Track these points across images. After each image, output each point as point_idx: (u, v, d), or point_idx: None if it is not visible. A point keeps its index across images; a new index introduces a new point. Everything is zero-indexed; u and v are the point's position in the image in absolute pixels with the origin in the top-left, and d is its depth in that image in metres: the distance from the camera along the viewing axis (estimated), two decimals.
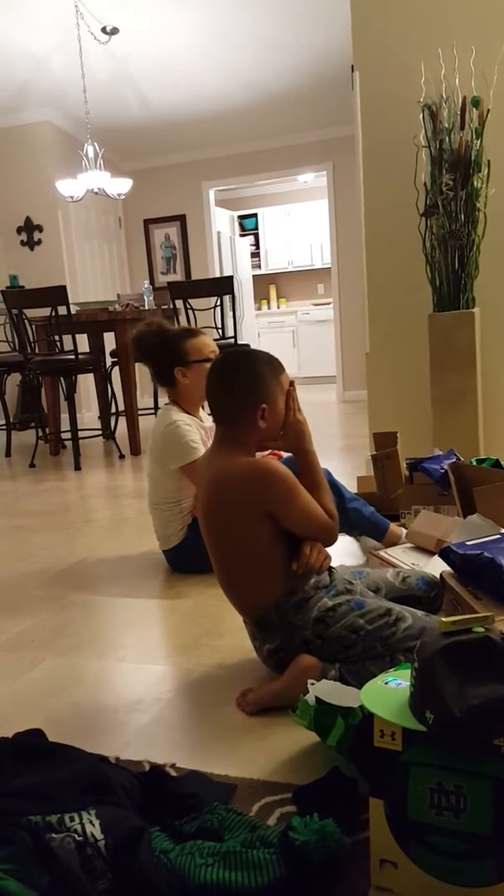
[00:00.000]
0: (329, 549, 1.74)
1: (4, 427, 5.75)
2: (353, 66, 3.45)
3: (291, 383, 1.74)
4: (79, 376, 5.45)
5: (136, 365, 5.19)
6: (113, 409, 5.81)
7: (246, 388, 1.67)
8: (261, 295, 9.81)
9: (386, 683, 1.16)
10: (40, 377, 5.64)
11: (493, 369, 3.40)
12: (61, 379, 5.24)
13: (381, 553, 2.36)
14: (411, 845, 1.05)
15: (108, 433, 5.75)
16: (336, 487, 2.38)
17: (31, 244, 6.83)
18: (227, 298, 5.24)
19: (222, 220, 7.92)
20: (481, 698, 0.98)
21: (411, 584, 1.87)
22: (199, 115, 6.54)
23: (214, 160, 7.26)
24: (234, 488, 1.64)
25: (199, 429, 2.57)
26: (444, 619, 1.08)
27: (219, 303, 5.24)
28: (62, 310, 4.72)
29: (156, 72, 5.90)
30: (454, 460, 2.64)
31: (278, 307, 9.90)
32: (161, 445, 2.55)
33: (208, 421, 2.70)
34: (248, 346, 1.84)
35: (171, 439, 2.51)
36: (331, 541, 1.73)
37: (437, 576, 1.91)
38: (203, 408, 2.71)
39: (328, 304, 8.48)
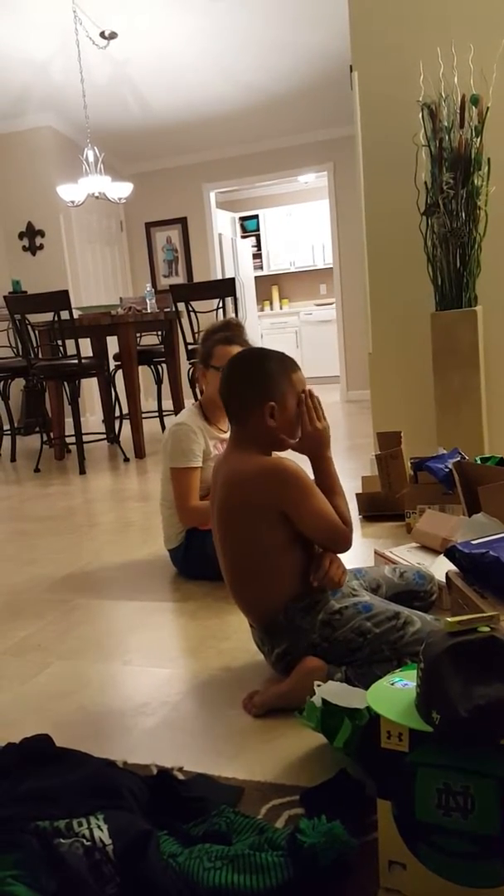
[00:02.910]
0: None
1: (9, 432, 5.76)
2: (351, 66, 3.45)
3: (309, 392, 1.71)
4: (82, 380, 5.46)
5: (140, 368, 5.20)
6: (117, 413, 5.81)
7: (254, 386, 1.67)
8: (263, 296, 9.81)
9: (392, 684, 1.15)
10: (44, 382, 5.65)
11: (497, 367, 3.39)
12: (65, 383, 5.25)
13: (387, 553, 2.36)
14: (419, 846, 1.05)
15: (112, 437, 5.75)
16: None
17: (32, 249, 6.84)
18: (229, 300, 5.24)
19: (223, 222, 7.92)
20: (487, 698, 0.98)
21: (408, 578, 1.91)
22: (199, 117, 6.55)
23: (215, 162, 7.26)
24: (249, 486, 1.64)
25: (208, 438, 2.52)
26: (449, 619, 1.08)
27: (221, 305, 5.25)
28: (65, 314, 4.73)
29: (155, 75, 5.91)
30: (458, 459, 2.64)
31: (281, 308, 9.90)
32: (164, 442, 2.57)
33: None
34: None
35: (170, 439, 2.52)
36: (344, 547, 1.71)
37: (440, 573, 1.91)
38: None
39: (331, 304, 8.47)
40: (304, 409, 1.69)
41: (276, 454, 1.71)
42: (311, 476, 1.73)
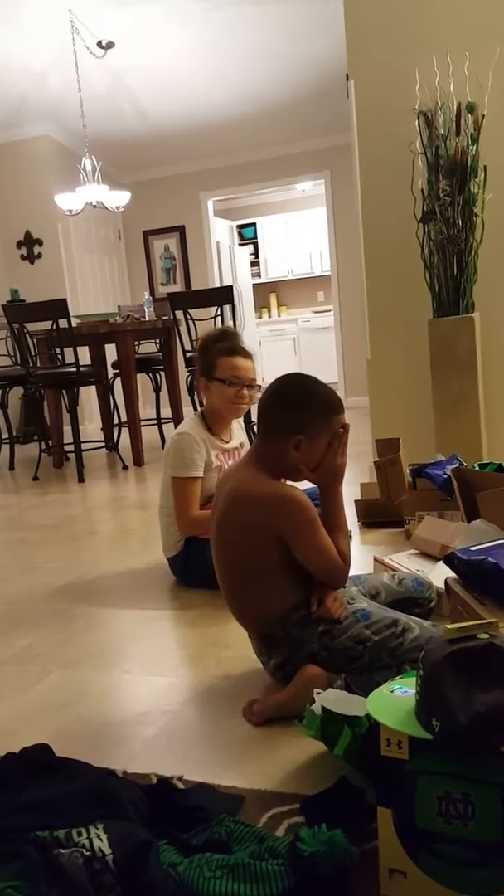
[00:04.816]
0: None
1: (7, 440, 5.76)
2: (347, 74, 3.47)
3: (346, 427, 1.70)
4: (81, 388, 5.47)
5: (138, 376, 5.20)
6: (115, 421, 5.82)
7: (290, 414, 1.66)
8: (261, 303, 9.83)
9: (392, 692, 1.15)
10: (42, 390, 5.66)
11: (494, 373, 3.40)
12: (63, 391, 5.25)
13: (386, 559, 2.36)
14: (420, 854, 1.05)
15: (110, 445, 5.76)
16: None
17: (31, 258, 6.86)
18: (227, 308, 5.25)
19: (221, 230, 7.95)
20: (487, 705, 0.98)
21: (407, 585, 1.92)
22: (197, 125, 6.58)
23: (212, 171, 7.29)
24: (251, 509, 1.64)
25: (210, 449, 2.52)
26: (449, 625, 1.08)
27: (219, 312, 5.26)
28: (63, 323, 4.74)
29: (152, 84, 5.94)
30: (457, 465, 2.64)
31: (279, 315, 9.91)
32: (166, 451, 2.57)
33: (234, 442, 2.63)
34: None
35: (172, 448, 2.52)
36: (339, 584, 1.71)
37: (439, 580, 1.90)
38: (231, 429, 2.64)
39: (328, 311, 8.49)
40: (334, 444, 1.68)
41: (288, 482, 1.71)
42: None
